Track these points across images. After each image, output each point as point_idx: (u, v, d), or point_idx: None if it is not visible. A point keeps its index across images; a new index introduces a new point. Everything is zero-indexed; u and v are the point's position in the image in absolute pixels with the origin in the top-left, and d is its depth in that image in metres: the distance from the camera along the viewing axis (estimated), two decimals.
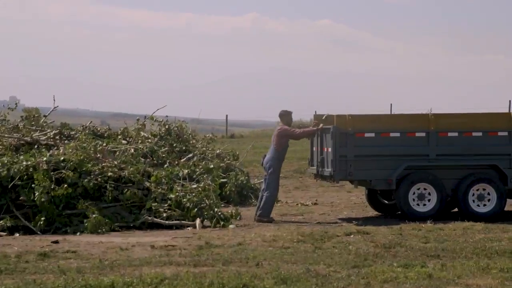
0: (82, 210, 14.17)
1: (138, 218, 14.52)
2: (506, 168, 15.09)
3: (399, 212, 15.37)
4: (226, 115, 49.35)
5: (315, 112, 16.47)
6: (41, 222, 13.95)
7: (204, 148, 21.72)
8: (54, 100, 20.19)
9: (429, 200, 14.96)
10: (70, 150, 15.35)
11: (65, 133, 19.37)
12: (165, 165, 18.01)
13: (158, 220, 14.42)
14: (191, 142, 21.90)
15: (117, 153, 17.16)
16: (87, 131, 19.92)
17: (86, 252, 11.17)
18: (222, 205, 16.45)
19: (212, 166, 18.43)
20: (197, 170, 17.89)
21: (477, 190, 15.03)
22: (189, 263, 10.01)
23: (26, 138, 17.84)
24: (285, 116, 15.83)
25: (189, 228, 14.19)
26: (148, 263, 10.06)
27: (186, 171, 16.65)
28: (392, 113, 31.58)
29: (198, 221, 14.32)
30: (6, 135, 17.83)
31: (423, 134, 15.09)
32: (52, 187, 14.09)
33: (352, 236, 12.59)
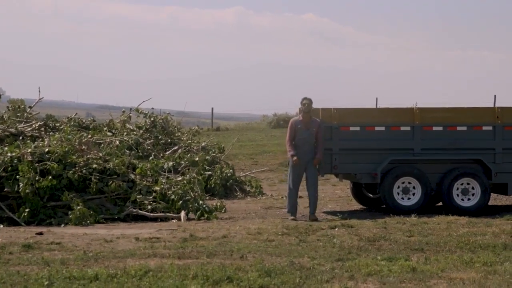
0: (66, 202, 14.13)
1: (123, 210, 14.51)
2: (491, 163, 15.14)
3: (384, 206, 15.41)
4: (212, 108, 49.37)
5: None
6: (26, 214, 13.91)
7: (190, 141, 21.76)
8: (39, 92, 20.15)
9: (413, 194, 15.00)
10: (55, 142, 15.30)
11: (50, 124, 19.37)
12: (150, 158, 18.01)
13: (142, 212, 14.41)
14: (176, 134, 21.95)
15: (102, 145, 17.14)
16: (72, 123, 19.92)
17: (70, 244, 11.14)
18: (207, 197, 16.46)
19: (197, 158, 18.46)
20: (182, 162, 17.92)
21: (462, 184, 15.08)
22: (174, 256, 10.00)
23: (11, 129, 17.80)
24: (306, 104, 14.44)
25: (173, 220, 14.19)
26: (133, 255, 10.05)
27: (171, 163, 16.66)
28: (378, 107, 31.64)
29: (183, 213, 14.32)
30: None
31: (408, 128, 15.11)
32: (36, 178, 14.05)
33: (336, 229, 12.61)
